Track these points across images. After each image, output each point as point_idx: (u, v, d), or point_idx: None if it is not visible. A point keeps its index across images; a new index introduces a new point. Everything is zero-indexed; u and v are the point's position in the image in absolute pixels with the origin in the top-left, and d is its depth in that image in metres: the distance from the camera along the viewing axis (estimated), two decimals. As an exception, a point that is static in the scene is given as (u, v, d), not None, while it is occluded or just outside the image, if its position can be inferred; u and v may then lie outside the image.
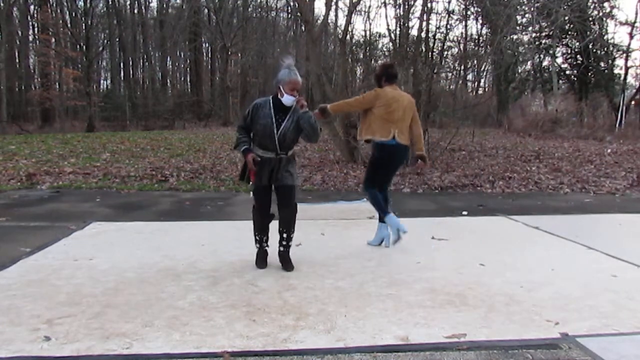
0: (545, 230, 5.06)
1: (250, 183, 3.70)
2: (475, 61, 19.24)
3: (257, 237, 3.83)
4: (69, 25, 29.27)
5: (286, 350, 2.42)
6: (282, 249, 3.81)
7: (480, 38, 24.08)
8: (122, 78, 33.12)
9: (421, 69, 10.51)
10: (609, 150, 12.95)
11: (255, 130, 3.64)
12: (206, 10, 31.79)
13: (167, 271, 3.65)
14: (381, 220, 4.41)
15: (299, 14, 13.19)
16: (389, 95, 4.21)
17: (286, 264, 3.76)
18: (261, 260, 3.80)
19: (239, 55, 31.40)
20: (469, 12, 15.89)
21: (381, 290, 3.26)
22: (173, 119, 26.25)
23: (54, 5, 29.45)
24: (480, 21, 18.99)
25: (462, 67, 18.91)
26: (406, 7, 14.63)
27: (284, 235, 3.79)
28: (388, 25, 36.22)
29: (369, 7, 35.75)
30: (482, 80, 28.04)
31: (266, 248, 3.85)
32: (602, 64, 22.61)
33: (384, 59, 20.64)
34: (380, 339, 2.55)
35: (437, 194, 7.63)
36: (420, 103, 10.03)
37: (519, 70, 24.49)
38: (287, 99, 3.55)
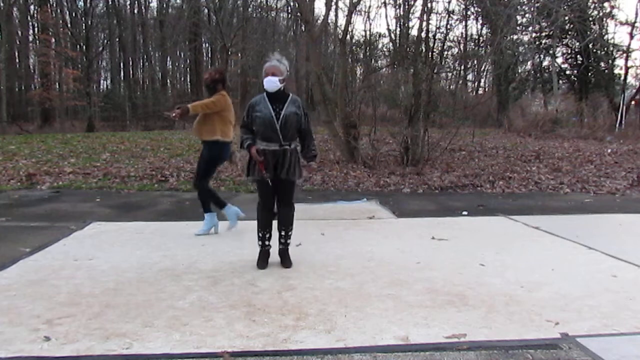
0: (545, 230, 5.06)
1: (250, 176, 3.75)
2: (475, 61, 19.25)
3: (260, 234, 3.83)
4: (69, 25, 29.27)
5: (286, 351, 2.42)
6: (281, 246, 3.88)
7: (480, 38, 24.13)
8: (122, 78, 33.10)
9: (421, 69, 10.49)
10: (609, 150, 12.95)
11: (256, 125, 3.68)
12: (206, 10, 31.75)
13: (167, 271, 3.66)
14: (208, 210, 4.86)
15: (299, 14, 13.21)
16: (229, 100, 4.81)
17: (285, 261, 3.83)
18: (263, 260, 3.81)
19: (239, 55, 31.36)
20: (469, 12, 15.91)
21: (381, 290, 3.26)
22: (173, 119, 26.22)
23: (54, 5, 29.45)
24: (480, 21, 19.02)
25: (462, 67, 18.94)
26: (406, 7, 14.65)
27: (282, 233, 3.85)
28: (388, 25, 36.29)
29: (369, 7, 35.77)
30: (482, 80, 28.08)
31: (268, 248, 3.85)
32: (602, 64, 22.61)
33: (384, 59, 20.64)
34: (380, 339, 2.55)
35: (437, 194, 7.63)
36: (420, 103, 10.05)
37: (519, 70, 24.51)
38: (266, 82, 3.62)
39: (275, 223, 3.86)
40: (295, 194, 3.90)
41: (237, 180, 8.29)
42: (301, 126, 3.76)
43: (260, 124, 3.64)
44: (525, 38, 16.69)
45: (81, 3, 29.30)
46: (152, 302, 3.04)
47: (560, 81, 24.95)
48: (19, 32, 28.53)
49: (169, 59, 33.82)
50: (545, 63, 25.14)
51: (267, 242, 3.85)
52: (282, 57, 3.75)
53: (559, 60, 24.33)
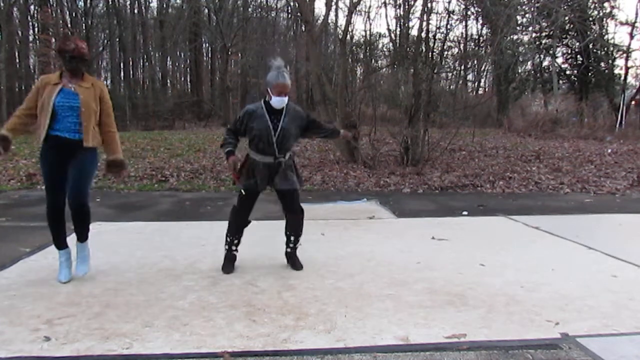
0: (545, 230, 5.06)
1: (237, 184, 3.66)
2: (475, 61, 19.24)
3: (229, 239, 3.73)
4: (69, 25, 29.24)
5: (286, 351, 2.42)
6: (289, 250, 3.83)
7: (480, 38, 24.08)
8: (122, 78, 33.07)
9: (421, 69, 10.49)
10: (609, 151, 12.95)
11: (251, 137, 3.56)
12: (206, 10, 31.76)
13: (167, 271, 3.65)
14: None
15: (299, 14, 13.21)
16: None
17: (294, 263, 3.78)
18: (229, 263, 3.70)
19: (239, 55, 31.37)
20: (469, 12, 15.89)
21: (381, 290, 3.26)
22: (173, 119, 26.21)
23: (54, 5, 29.43)
24: (480, 21, 19.00)
25: (462, 67, 18.92)
26: (406, 7, 14.64)
27: (291, 238, 3.80)
28: (388, 25, 36.24)
29: (369, 7, 35.71)
30: (482, 80, 28.02)
31: (235, 253, 3.76)
32: (602, 64, 22.58)
33: (384, 59, 20.63)
34: (380, 339, 2.55)
35: (437, 194, 7.63)
36: (420, 103, 10.05)
37: (519, 70, 24.46)
38: (275, 102, 3.50)
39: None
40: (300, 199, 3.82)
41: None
42: (308, 126, 3.70)
43: (257, 136, 3.53)
44: (525, 38, 16.70)
45: (81, 3, 29.28)
46: (152, 302, 3.04)
47: (560, 81, 24.92)
48: (19, 32, 28.50)
49: (169, 59, 33.78)
50: (545, 63, 25.13)
51: (234, 248, 3.75)
52: (284, 63, 3.62)
53: (559, 60, 24.32)
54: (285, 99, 3.52)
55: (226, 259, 3.75)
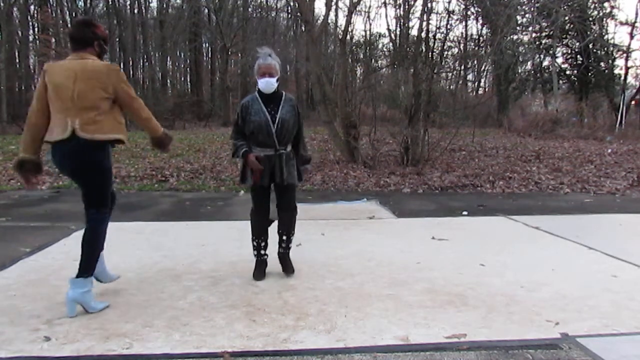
0: (545, 230, 5.06)
1: (251, 183, 3.49)
2: (475, 61, 19.23)
3: (255, 243, 3.60)
4: (69, 25, 29.26)
5: (286, 351, 2.42)
6: (281, 250, 3.68)
7: (480, 38, 24.07)
8: (122, 78, 33.05)
9: (421, 69, 10.49)
10: (609, 150, 12.95)
11: (249, 130, 3.42)
12: (206, 10, 31.79)
13: (167, 271, 3.66)
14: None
15: (299, 14, 13.21)
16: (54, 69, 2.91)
17: (286, 267, 3.62)
18: (259, 271, 3.55)
19: (239, 55, 31.39)
20: (469, 12, 15.88)
21: (381, 290, 3.26)
22: (173, 119, 26.19)
23: (54, 5, 29.46)
24: (480, 21, 18.99)
25: (462, 67, 18.90)
26: (406, 7, 14.61)
27: (284, 238, 3.64)
28: (388, 25, 36.28)
29: (369, 7, 35.74)
30: (482, 80, 28.03)
31: (265, 257, 3.63)
32: (602, 64, 22.60)
33: (384, 59, 20.63)
34: (380, 339, 2.55)
35: (437, 194, 7.63)
36: (420, 103, 10.05)
37: (519, 70, 24.48)
38: (261, 83, 3.39)
39: (272, 228, 3.66)
40: (296, 197, 3.74)
41: (237, 181, 8.28)
42: (298, 128, 3.55)
43: (255, 128, 3.37)
44: (525, 38, 16.71)
45: (81, 3, 29.35)
46: (152, 302, 3.04)
47: (560, 81, 24.93)
48: (19, 32, 28.50)
49: (169, 59, 33.81)
50: (545, 63, 25.14)
51: (262, 252, 3.61)
52: (272, 51, 3.51)
53: (559, 60, 24.33)
54: (272, 80, 3.38)
55: (257, 264, 3.59)
